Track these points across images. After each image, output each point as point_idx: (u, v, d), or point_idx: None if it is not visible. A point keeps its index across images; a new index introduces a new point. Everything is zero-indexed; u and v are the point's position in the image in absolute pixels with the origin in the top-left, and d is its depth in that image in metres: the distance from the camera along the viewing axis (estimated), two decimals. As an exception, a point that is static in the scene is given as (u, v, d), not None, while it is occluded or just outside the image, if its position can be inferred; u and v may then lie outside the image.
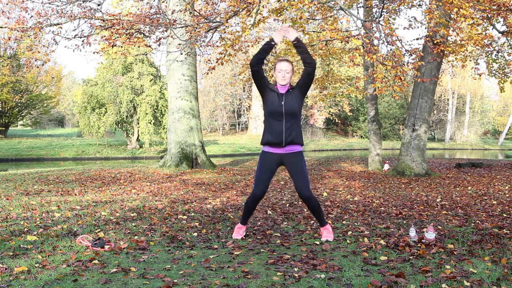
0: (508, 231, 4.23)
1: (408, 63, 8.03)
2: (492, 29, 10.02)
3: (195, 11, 8.62)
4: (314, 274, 2.98)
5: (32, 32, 8.13)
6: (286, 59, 4.00)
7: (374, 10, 10.32)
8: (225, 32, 7.94)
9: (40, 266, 3.11)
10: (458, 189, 7.92)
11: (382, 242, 3.81)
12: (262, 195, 4.02)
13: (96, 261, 3.23)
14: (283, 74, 3.89)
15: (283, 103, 3.85)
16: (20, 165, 17.97)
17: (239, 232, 4.13)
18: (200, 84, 34.64)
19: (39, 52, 8.85)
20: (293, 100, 3.88)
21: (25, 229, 4.25)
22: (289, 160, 3.92)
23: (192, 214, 5.27)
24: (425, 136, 10.40)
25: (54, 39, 8.32)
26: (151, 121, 21.73)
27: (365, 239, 3.97)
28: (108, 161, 20.48)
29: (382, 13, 7.22)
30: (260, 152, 4.05)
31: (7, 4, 9.77)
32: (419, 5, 9.80)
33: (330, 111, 36.18)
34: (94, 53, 8.57)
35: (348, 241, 3.93)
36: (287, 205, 6.03)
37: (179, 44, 7.89)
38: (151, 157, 21.32)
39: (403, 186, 8.43)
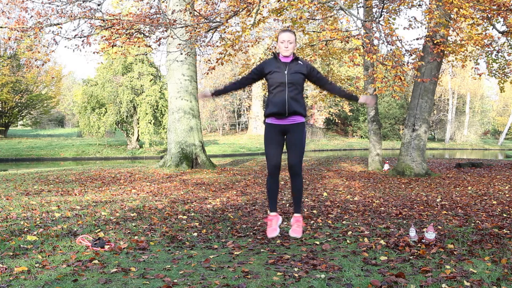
0: (508, 231, 4.23)
1: (408, 63, 8.04)
2: (492, 29, 10.03)
3: (195, 11, 8.62)
4: (314, 274, 2.98)
5: (32, 32, 8.14)
6: (289, 29, 3.92)
7: (374, 10, 10.32)
8: (225, 32, 7.94)
9: (40, 266, 3.11)
10: (458, 189, 7.92)
11: (382, 242, 3.81)
12: (277, 170, 3.93)
13: (96, 261, 3.23)
14: (286, 44, 3.84)
15: (286, 72, 3.83)
16: (20, 165, 17.97)
17: (271, 225, 3.90)
18: (200, 84, 34.65)
19: (39, 52, 8.86)
20: (296, 71, 3.85)
21: (25, 229, 4.25)
22: (291, 129, 3.88)
23: (192, 214, 5.27)
24: (425, 136, 10.40)
25: (54, 39, 8.32)
26: (151, 121, 21.74)
27: (365, 239, 3.97)
28: (108, 161, 20.48)
29: (382, 13, 7.22)
30: (264, 127, 4.02)
31: (7, 4, 9.77)
32: (419, 5, 9.80)
33: (330, 111, 36.19)
34: (94, 53, 8.58)
35: (348, 241, 3.93)
36: (287, 205, 6.03)
37: (179, 44, 7.89)
38: (151, 157, 21.32)
39: (403, 186, 8.43)
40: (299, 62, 3.91)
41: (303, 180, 4.02)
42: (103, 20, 8.16)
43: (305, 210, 5.60)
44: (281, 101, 3.79)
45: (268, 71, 3.88)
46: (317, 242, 3.89)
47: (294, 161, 3.85)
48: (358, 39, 6.48)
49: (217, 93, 3.96)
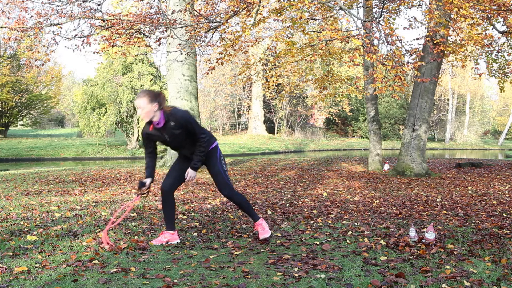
0: (508, 231, 4.23)
1: (408, 63, 8.04)
2: (492, 29, 10.03)
3: (195, 11, 8.62)
4: (314, 274, 2.97)
5: (32, 32, 8.14)
6: (142, 92, 3.67)
7: (374, 10, 10.32)
8: (225, 32, 7.95)
9: (40, 266, 3.11)
10: (458, 189, 7.92)
11: (382, 242, 3.81)
12: (168, 190, 3.91)
13: (96, 261, 3.23)
14: (139, 112, 3.65)
15: (167, 138, 3.71)
16: (20, 165, 17.97)
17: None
18: (200, 84, 34.65)
19: (39, 52, 8.87)
20: (174, 131, 3.68)
21: (25, 229, 4.25)
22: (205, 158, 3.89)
23: (192, 214, 5.27)
24: (425, 136, 10.40)
25: (54, 39, 8.33)
26: (151, 121, 21.71)
27: (365, 239, 3.97)
28: (108, 161, 20.49)
29: (382, 13, 7.22)
30: None
31: (7, 4, 9.77)
32: (419, 5, 9.80)
33: (330, 111, 36.18)
34: (94, 53, 8.58)
35: (348, 241, 3.93)
36: (287, 205, 6.02)
37: (179, 44, 7.89)
38: (151, 157, 21.29)
39: (403, 186, 8.43)
40: (171, 123, 3.68)
41: (239, 197, 4.00)
42: (103, 20, 8.16)
43: (305, 210, 5.60)
44: (183, 156, 3.90)
45: (154, 139, 3.80)
46: (317, 242, 3.89)
47: (220, 188, 3.89)
48: (358, 39, 6.48)
49: (152, 175, 3.84)
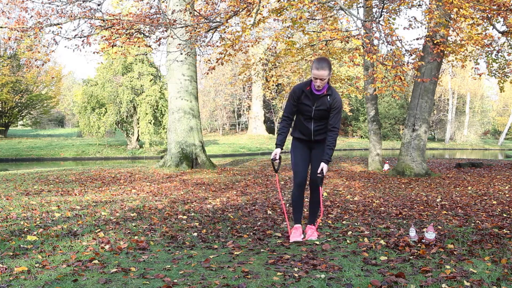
0: (508, 231, 4.23)
1: (408, 63, 8.04)
2: (492, 29, 10.03)
3: (195, 11, 8.62)
4: (314, 274, 2.97)
5: (32, 32, 8.14)
6: (324, 61, 3.73)
7: (374, 10, 10.32)
8: (225, 32, 7.95)
9: (40, 266, 3.11)
10: (458, 189, 7.92)
11: (382, 242, 3.81)
12: (303, 186, 4.03)
13: (96, 261, 3.23)
14: (319, 83, 3.75)
15: (313, 107, 3.85)
16: (20, 165, 17.97)
17: (296, 233, 4.03)
18: (200, 84, 34.64)
19: (39, 52, 8.87)
20: (322, 108, 3.84)
21: (25, 229, 4.25)
22: (316, 146, 4.01)
23: (192, 214, 5.27)
24: (425, 136, 10.40)
25: (54, 39, 8.33)
26: (151, 121, 21.73)
27: (365, 239, 3.97)
28: (108, 161, 20.48)
29: (382, 13, 7.22)
30: (292, 141, 4.13)
31: (7, 4, 9.78)
32: (419, 5, 9.80)
33: (330, 111, 36.11)
34: (94, 53, 8.58)
35: (348, 241, 3.93)
36: (287, 205, 6.02)
37: (179, 44, 7.89)
38: (151, 157, 21.32)
39: (403, 186, 8.43)
40: (328, 98, 3.83)
41: (322, 194, 4.09)
42: (103, 20, 8.16)
43: (305, 210, 5.59)
44: (306, 131, 3.95)
45: (300, 101, 3.92)
46: (317, 242, 3.89)
47: (315, 173, 3.98)
48: (358, 39, 6.48)
49: (283, 144, 3.99)
